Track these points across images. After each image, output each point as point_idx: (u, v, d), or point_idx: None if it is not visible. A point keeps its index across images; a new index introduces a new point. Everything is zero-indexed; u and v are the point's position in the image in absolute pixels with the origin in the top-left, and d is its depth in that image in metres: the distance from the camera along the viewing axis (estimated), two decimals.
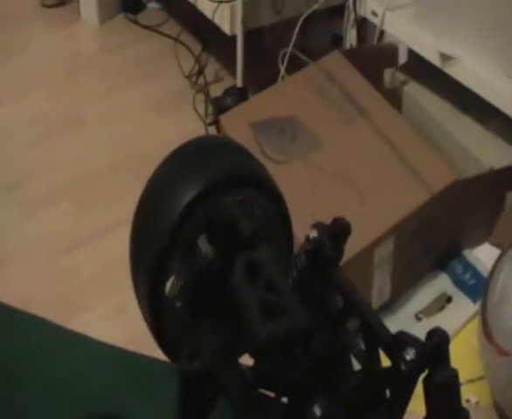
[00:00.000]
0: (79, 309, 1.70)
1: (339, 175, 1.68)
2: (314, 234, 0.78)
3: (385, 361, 0.76)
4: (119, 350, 1.14)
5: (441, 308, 1.70)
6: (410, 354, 0.69)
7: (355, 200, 1.62)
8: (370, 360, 0.74)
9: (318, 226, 0.79)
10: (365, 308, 0.75)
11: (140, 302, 0.93)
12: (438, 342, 0.72)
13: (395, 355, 0.70)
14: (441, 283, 1.75)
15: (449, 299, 1.72)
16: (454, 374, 0.73)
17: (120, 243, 1.98)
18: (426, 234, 1.69)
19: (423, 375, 0.73)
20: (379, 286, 1.65)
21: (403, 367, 0.69)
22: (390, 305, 1.69)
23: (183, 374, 0.75)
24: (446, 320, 1.65)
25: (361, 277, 1.58)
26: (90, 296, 1.81)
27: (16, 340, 1.16)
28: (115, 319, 1.70)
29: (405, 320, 1.65)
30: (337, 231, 0.79)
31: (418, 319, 1.67)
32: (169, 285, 0.89)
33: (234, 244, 0.85)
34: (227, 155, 0.95)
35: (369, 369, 0.74)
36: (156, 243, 0.87)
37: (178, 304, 0.87)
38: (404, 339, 0.71)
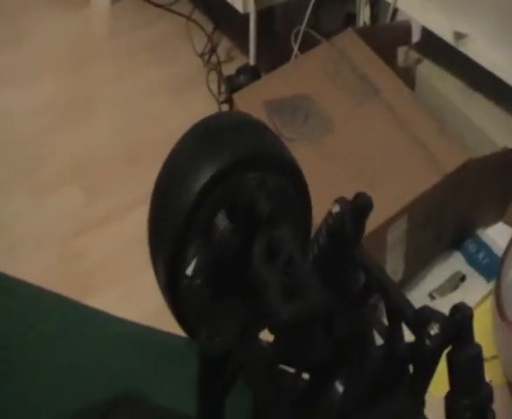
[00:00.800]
0: (88, 293, 1.70)
1: (351, 156, 1.67)
2: (336, 209, 0.78)
3: (408, 338, 0.76)
4: (140, 327, 1.14)
5: (455, 287, 1.70)
6: (434, 329, 0.69)
7: (367, 180, 1.62)
8: (393, 335, 0.74)
9: (340, 201, 0.78)
10: (388, 284, 0.75)
11: (159, 282, 0.93)
12: (462, 317, 0.71)
13: (419, 330, 0.70)
14: (455, 262, 1.75)
15: (463, 278, 1.71)
16: (479, 350, 0.72)
17: (129, 227, 1.99)
18: (439, 214, 1.68)
19: (446, 351, 0.72)
20: (393, 266, 1.64)
21: (427, 342, 0.69)
22: (404, 285, 1.68)
23: (202, 353, 0.75)
24: (460, 299, 1.63)
25: (374, 257, 1.58)
26: (100, 279, 1.81)
27: (40, 317, 1.16)
28: (125, 302, 1.70)
29: (419, 300, 1.65)
30: (359, 206, 0.78)
31: (432, 298, 1.67)
32: (188, 265, 0.88)
33: (253, 224, 0.84)
34: (247, 134, 0.94)
35: (392, 345, 0.74)
36: (174, 225, 0.86)
37: (197, 282, 0.87)
38: (428, 314, 0.71)
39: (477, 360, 0.72)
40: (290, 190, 0.95)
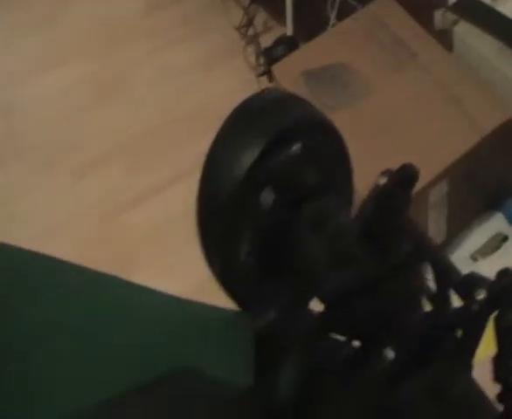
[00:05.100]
0: (132, 269, 1.73)
1: (391, 120, 1.69)
2: (382, 181, 0.79)
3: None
4: (187, 301, 1.16)
5: (497, 248, 1.71)
6: (481, 294, 0.71)
7: (408, 143, 1.63)
8: (441, 301, 0.76)
9: (387, 173, 0.80)
10: (436, 251, 0.77)
11: (213, 271, 0.95)
12: (508, 282, 0.73)
13: (466, 295, 0.72)
14: (496, 223, 1.75)
15: (505, 239, 1.72)
16: None
17: (171, 201, 2.02)
18: (480, 174, 1.69)
19: (494, 315, 0.74)
20: (434, 228, 1.66)
21: (474, 307, 0.71)
22: (446, 247, 1.70)
23: (257, 328, 0.77)
24: (503, 260, 1.66)
25: (416, 219, 1.59)
26: (143, 254, 1.85)
27: (87, 298, 1.18)
28: (169, 276, 1.74)
29: (461, 261, 1.67)
30: (406, 177, 0.80)
31: (474, 259, 1.68)
32: (240, 249, 0.90)
33: (299, 196, 0.86)
34: (287, 106, 0.96)
35: (440, 310, 0.76)
36: (222, 214, 0.88)
37: (250, 262, 0.89)
38: (475, 279, 0.73)
39: None
40: (332, 157, 0.97)
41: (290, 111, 0.94)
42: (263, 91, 1.03)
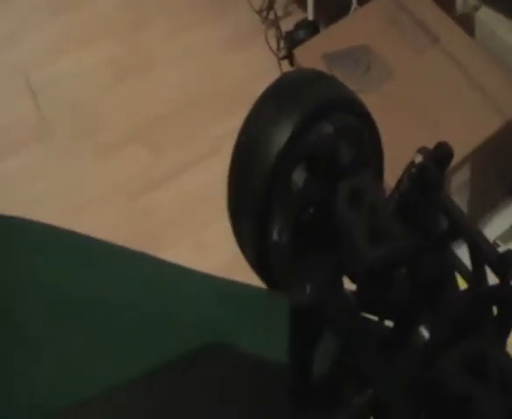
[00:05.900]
0: (157, 249, 1.72)
1: (413, 104, 1.68)
2: (418, 159, 0.79)
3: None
4: (219, 279, 1.15)
5: None
6: None
7: (430, 128, 1.63)
8: (477, 278, 0.76)
9: (423, 151, 0.80)
10: (471, 228, 0.77)
11: (242, 244, 0.95)
12: None
13: (503, 272, 0.72)
14: None
15: None
16: None
17: (194, 183, 2.02)
18: (502, 160, 1.69)
19: None
20: None
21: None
22: None
23: (294, 304, 0.77)
24: None
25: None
26: (167, 236, 1.85)
27: (115, 274, 1.18)
28: (193, 257, 1.73)
29: None
30: (441, 155, 0.80)
31: (495, 245, 1.68)
32: (273, 230, 0.90)
33: (333, 174, 0.86)
34: (319, 84, 0.95)
35: (476, 288, 0.76)
36: (256, 196, 0.88)
37: (284, 241, 0.89)
38: (511, 256, 0.72)
39: None
40: (363, 136, 0.96)
41: (323, 89, 0.94)
42: (295, 70, 1.02)
